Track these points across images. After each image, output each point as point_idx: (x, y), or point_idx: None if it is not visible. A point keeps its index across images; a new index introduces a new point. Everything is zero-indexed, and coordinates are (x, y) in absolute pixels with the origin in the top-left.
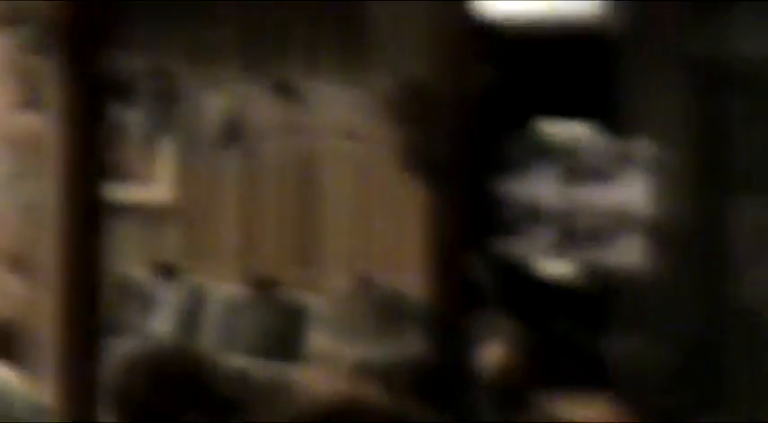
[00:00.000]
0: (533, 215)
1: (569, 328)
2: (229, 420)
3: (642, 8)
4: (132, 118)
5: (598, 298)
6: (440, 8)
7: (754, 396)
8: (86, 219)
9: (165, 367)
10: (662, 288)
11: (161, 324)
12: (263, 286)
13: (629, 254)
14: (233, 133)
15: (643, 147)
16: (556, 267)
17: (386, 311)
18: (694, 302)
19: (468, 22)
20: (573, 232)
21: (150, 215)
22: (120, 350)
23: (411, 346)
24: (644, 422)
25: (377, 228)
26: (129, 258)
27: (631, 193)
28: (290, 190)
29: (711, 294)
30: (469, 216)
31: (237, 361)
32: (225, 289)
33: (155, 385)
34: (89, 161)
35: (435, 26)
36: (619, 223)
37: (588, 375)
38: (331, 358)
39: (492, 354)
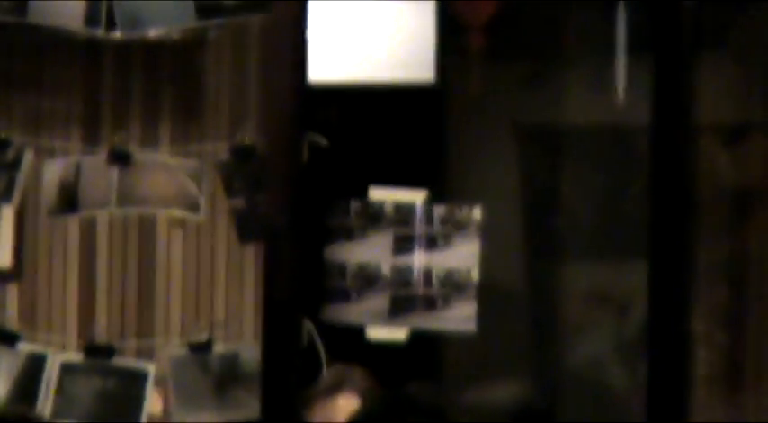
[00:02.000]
0: (365, 282)
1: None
2: None
3: (473, 75)
4: None
5: (431, 360)
6: (272, 76)
7: None
8: None
9: None
10: (493, 350)
11: None
12: (101, 352)
13: (460, 318)
14: (70, 201)
15: (473, 213)
16: (388, 332)
17: (222, 376)
18: (525, 366)
19: (299, 89)
20: (405, 298)
21: None
22: None
23: (247, 409)
24: None
25: (214, 295)
26: None
27: (461, 258)
28: (126, 257)
29: (542, 359)
30: (304, 283)
31: None
32: (62, 355)
33: None
34: None
35: (266, 94)
36: (451, 288)
37: None
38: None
39: (344, 404)
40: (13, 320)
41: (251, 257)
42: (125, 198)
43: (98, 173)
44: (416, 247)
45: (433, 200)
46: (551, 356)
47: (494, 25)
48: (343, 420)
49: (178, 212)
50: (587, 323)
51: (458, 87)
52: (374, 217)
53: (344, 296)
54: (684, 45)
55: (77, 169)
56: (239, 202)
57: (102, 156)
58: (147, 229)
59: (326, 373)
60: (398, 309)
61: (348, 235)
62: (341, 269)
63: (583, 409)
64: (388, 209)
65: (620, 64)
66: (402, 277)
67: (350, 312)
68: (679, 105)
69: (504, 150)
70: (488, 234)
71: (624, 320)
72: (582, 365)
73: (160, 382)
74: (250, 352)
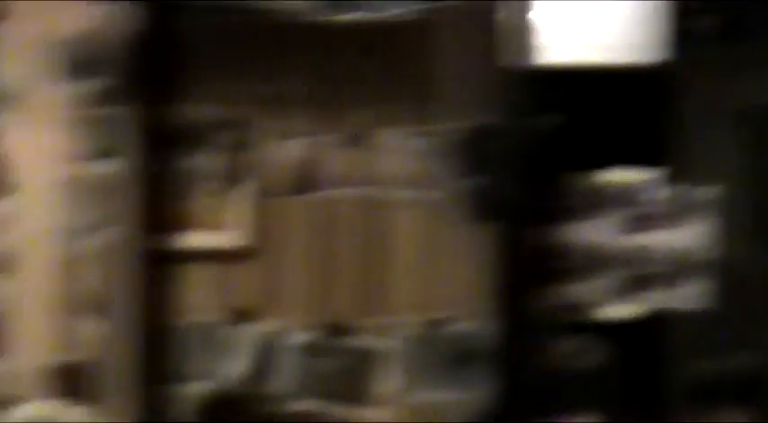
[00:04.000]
0: (594, 261)
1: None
2: None
3: (704, 55)
4: (206, 167)
5: (660, 338)
6: (504, 58)
7: None
8: (160, 265)
9: (238, 411)
10: (722, 327)
11: (234, 368)
12: (336, 331)
13: (690, 296)
14: (304, 183)
15: (703, 192)
16: (617, 312)
17: (455, 355)
18: (754, 340)
19: (529, 69)
20: (634, 277)
21: (223, 261)
22: (192, 394)
23: (480, 387)
24: None
25: (447, 274)
26: (202, 304)
27: (692, 237)
28: (359, 237)
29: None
30: (534, 262)
31: (308, 404)
32: (296, 334)
33: None
34: (162, 209)
35: (497, 74)
36: (680, 267)
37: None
38: (400, 401)
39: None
40: (251, 299)
41: (484, 237)
42: (362, 178)
43: (333, 154)
44: (645, 226)
45: (662, 179)
46: None
47: (724, 5)
48: None
49: (413, 192)
50: None
51: (688, 68)
52: (602, 197)
53: (573, 276)
54: None
55: (315, 150)
56: (473, 183)
57: (339, 136)
58: (383, 208)
59: (570, 340)
60: (628, 288)
61: (577, 215)
62: (570, 249)
63: None
64: (617, 189)
65: None
66: (631, 256)
67: (579, 292)
68: None
69: (733, 131)
70: (718, 213)
71: None
72: None
73: (395, 361)
74: (483, 330)
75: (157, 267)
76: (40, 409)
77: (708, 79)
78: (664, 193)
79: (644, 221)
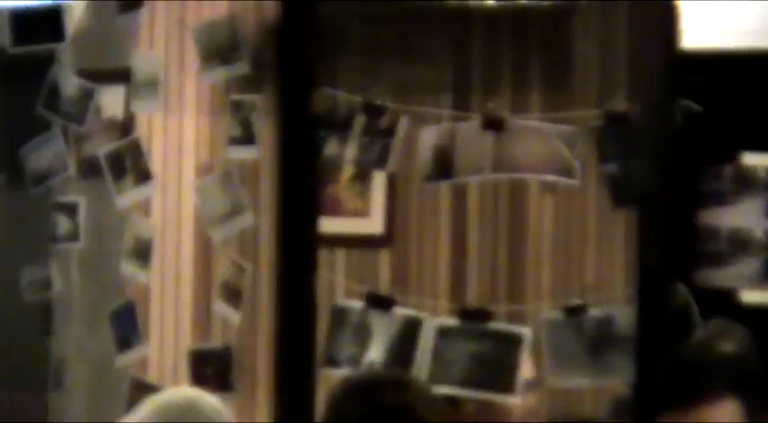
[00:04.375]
0: (738, 246)
1: None
2: None
3: None
4: (346, 152)
5: None
6: (642, 43)
7: None
8: (300, 251)
9: (381, 396)
10: None
11: (375, 353)
12: (474, 317)
13: None
14: (444, 167)
15: None
16: (762, 296)
17: (595, 340)
18: None
19: (670, 56)
20: None
21: (365, 246)
22: (335, 379)
23: (621, 373)
24: None
25: (585, 259)
26: (343, 289)
27: None
28: (498, 222)
29: None
30: (674, 247)
31: (449, 390)
32: (437, 319)
33: (370, 414)
34: (303, 195)
35: (637, 61)
36: None
37: None
38: (539, 387)
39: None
40: (386, 285)
41: (622, 222)
42: (499, 164)
43: (472, 139)
44: None
45: None
46: None
47: None
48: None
49: (550, 178)
50: None
51: None
52: (747, 182)
53: (717, 260)
54: None
55: (452, 136)
56: (611, 168)
57: (475, 122)
58: (518, 194)
59: (708, 327)
60: None
61: (721, 200)
62: (713, 234)
63: None
64: (762, 174)
65: None
66: None
67: (722, 276)
68: None
69: None
70: None
71: None
72: None
73: (534, 347)
74: (624, 316)
75: (298, 253)
76: (182, 393)
77: None
78: None
79: None
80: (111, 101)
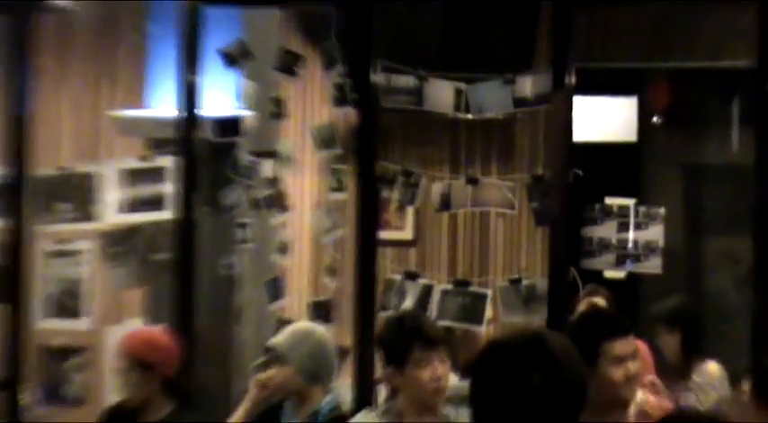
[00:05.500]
0: (602, 247)
1: None
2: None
3: None
4: (392, 195)
5: None
6: (552, 135)
7: None
8: (367, 248)
9: (408, 325)
10: None
11: (408, 305)
12: (461, 284)
13: None
14: (445, 204)
15: None
16: (614, 274)
17: (527, 298)
18: None
19: (567, 143)
20: (623, 255)
21: (402, 246)
22: (386, 317)
23: (540, 315)
24: None
25: (522, 253)
26: (390, 269)
27: None
28: (473, 232)
29: None
30: (569, 247)
31: (447, 323)
32: (440, 285)
33: (400, 332)
34: (371, 219)
35: (550, 146)
36: None
37: None
38: (497, 322)
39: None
40: (413, 267)
41: (541, 233)
42: (474, 202)
43: (460, 189)
44: None
45: None
46: None
47: None
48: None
49: (502, 210)
50: None
51: None
52: (607, 213)
53: (591, 254)
54: None
55: (449, 187)
56: (535, 205)
57: (462, 180)
58: (485, 218)
59: (586, 288)
60: (621, 258)
61: (594, 222)
62: (590, 240)
63: None
64: (615, 209)
65: None
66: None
67: (594, 263)
68: None
69: None
70: None
71: None
72: None
73: (492, 301)
74: (542, 284)
75: (366, 250)
76: (305, 324)
77: None
78: None
79: None
80: (267, 167)
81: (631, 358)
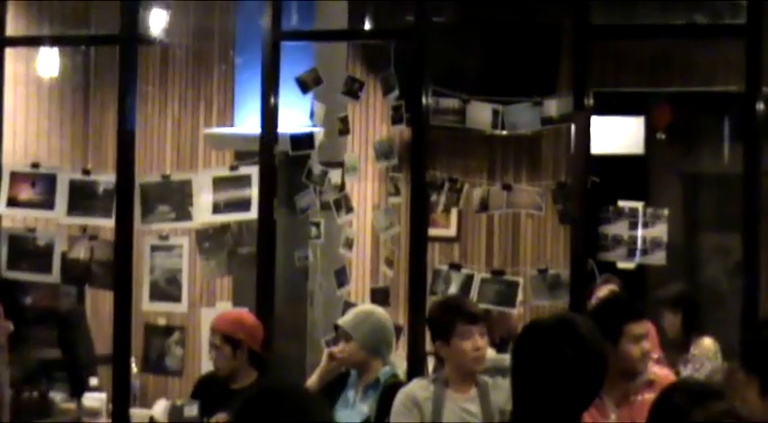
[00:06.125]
0: (616, 243)
1: None
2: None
3: None
4: (439, 199)
5: None
6: (572, 148)
7: None
8: (419, 243)
9: (453, 308)
10: None
11: (453, 291)
12: (497, 273)
13: None
14: (483, 206)
15: None
16: (626, 265)
17: (551, 284)
18: None
19: (586, 154)
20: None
21: (447, 242)
22: (434, 299)
23: (562, 299)
24: None
25: (547, 246)
26: (438, 261)
27: None
28: (507, 230)
29: None
30: (587, 241)
31: (486, 306)
32: (480, 274)
33: (445, 311)
34: (421, 218)
35: (570, 158)
36: None
37: None
38: (527, 305)
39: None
40: (457, 259)
41: (564, 230)
42: (508, 205)
43: (496, 194)
44: None
45: None
46: None
47: None
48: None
49: (531, 211)
50: None
51: None
52: (620, 214)
53: (606, 248)
54: None
55: (487, 192)
56: (559, 207)
57: (498, 186)
58: (517, 218)
59: (601, 277)
60: (631, 251)
61: (608, 221)
62: (605, 236)
63: None
64: (626, 211)
65: None
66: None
67: (609, 255)
68: None
69: None
70: None
71: None
72: None
73: (523, 287)
74: (565, 273)
75: (417, 243)
76: (368, 306)
77: None
78: None
79: None
80: (335, 175)
81: (646, 338)
